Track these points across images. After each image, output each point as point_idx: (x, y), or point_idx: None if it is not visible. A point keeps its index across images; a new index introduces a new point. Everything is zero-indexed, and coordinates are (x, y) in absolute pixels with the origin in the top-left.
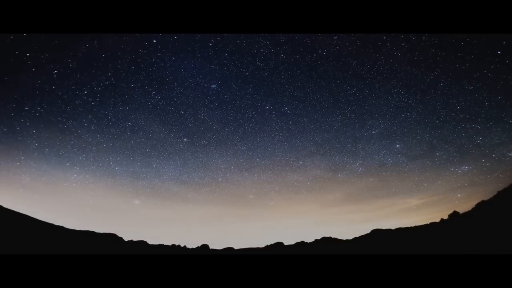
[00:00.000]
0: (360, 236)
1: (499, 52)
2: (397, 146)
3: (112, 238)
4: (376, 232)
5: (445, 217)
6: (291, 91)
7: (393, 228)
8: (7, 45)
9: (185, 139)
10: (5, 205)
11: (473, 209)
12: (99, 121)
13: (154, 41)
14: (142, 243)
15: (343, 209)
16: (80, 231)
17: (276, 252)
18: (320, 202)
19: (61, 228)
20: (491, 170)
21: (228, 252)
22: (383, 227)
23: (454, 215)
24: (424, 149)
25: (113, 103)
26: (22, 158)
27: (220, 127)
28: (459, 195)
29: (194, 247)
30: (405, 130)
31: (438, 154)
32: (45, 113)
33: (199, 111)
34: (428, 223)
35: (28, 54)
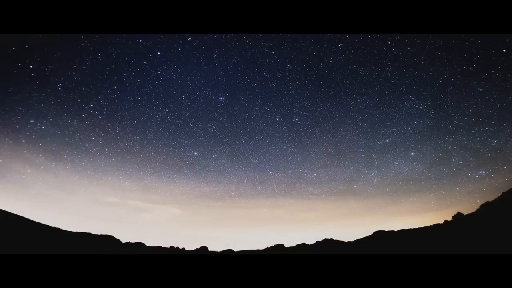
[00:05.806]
0: (362, 238)
1: (504, 50)
2: (412, 154)
3: (109, 239)
4: (378, 234)
5: (449, 218)
6: (301, 102)
7: (395, 230)
8: (10, 56)
9: (195, 153)
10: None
11: (477, 210)
12: (107, 135)
13: (159, 53)
14: (140, 245)
15: (359, 219)
16: (77, 232)
17: (276, 254)
18: (336, 213)
19: (57, 229)
20: (509, 173)
21: (227, 253)
22: (386, 229)
23: (458, 216)
24: (440, 155)
25: (120, 117)
26: (29, 171)
27: (230, 140)
28: (478, 200)
29: (193, 249)
30: (419, 137)
31: (454, 160)
32: (51, 126)
33: (208, 124)
34: (432, 224)
35: (31, 66)
